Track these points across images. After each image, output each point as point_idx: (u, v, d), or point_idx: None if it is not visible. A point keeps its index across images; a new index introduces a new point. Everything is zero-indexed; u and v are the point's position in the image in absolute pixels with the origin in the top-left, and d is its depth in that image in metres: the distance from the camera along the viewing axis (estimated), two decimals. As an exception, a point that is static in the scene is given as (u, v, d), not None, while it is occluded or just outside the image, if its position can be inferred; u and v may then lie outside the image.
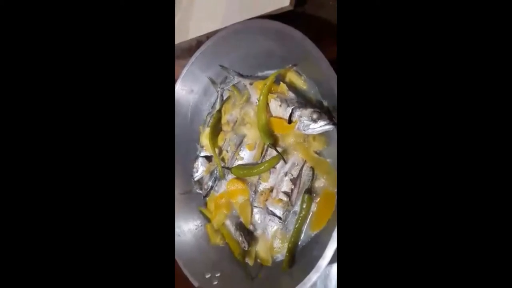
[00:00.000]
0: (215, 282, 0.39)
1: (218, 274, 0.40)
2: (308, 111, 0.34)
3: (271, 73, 0.41)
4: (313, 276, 0.28)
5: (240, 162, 0.43)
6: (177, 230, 0.47)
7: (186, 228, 0.48)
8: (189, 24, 0.54)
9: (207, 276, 0.40)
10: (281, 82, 0.39)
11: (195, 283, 0.39)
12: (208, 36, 0.48)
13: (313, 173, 0.36)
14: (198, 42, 0.53)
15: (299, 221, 0.36)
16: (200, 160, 0.50)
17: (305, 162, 0.37)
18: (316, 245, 0.33)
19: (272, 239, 0.38)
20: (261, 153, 0.41)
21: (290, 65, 0.38)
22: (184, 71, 0.48)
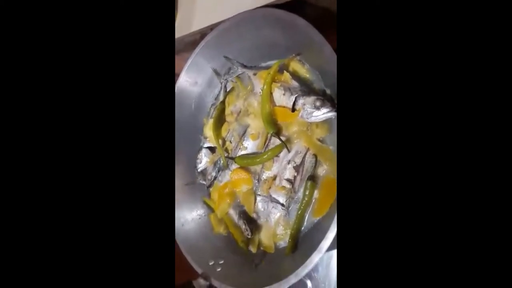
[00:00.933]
0: (219, 269, 0.40)
1: (222, 262, 0.41)
2: (311, 98, 0.35)
3: (275, 63, 0.41)
4: (315, 257, 0.28)
5: (243, 152, 0.44)
6: (181, 219, 0.47)
7: (190, 217, 0.48)
8: (192, 16, 0.54)
9: (210, 264, 0.41)
10: (284, 71, 0.39)
11: (199, 270, 0.40)
12: (212, 28, 0.49)
13: (316, 160, 0.36)
14: (202, 35, 0.53)
15: (301, 207, 0.36)
16: (203, 151, 0.51)
17: (308, 149, 0.37)
18: (318, 231, 0.34)
19: (275, 226, 0.39)
20: (265, 143, 0.42)
21: (294, 55, 0.39)
22: (188, 62, 0.48)
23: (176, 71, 0.53)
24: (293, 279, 0.29)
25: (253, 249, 0.40)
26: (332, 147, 0.36)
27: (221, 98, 0.50)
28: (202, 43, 0.46)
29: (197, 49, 0.47)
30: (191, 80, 0.50)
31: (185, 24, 0.56)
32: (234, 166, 0.45)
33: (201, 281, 0.37)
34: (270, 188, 0.39)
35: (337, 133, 0.24)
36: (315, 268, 0.38)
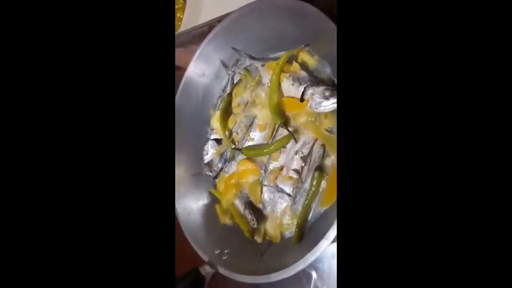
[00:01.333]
0: (224, 257, 0.40)
1: (227, 251, 0.41)
2: (320, 88, 0.35)
3: (284, 53, 0.41)
4: (323, 245, 0.29)
5: (250, 143, 0.44)
6: (186, 209, 0.48)
7: (196, 207, 0.49)
8: (200, 9, 0.55)
9: (216, 252, 0.41)
10: (293, 62, 0.39)
11: (205, 258, 0.40)
12: (219, 20, 0.49)
13: (324, 151, 0.36)
14: (210, 28, 0.54)
15: (308, 197, 0.36)
16: (210, 143, 0.51)
17: (316, 140, 0.37)
18: (325, 221, 0.34)
19: (281, 216, 0.39)
20: (272, 133, 0.42)
21: (303, 45, 0.39)
22: (197, 53, 0.48)
23: (184, 64, 0.53)
24: (301, 265, 0.30)
25: (258, 239, 0.41)
26: (340, 137, 0.36)
27: (228, 90, 0.50)
28: (210, 35, 0.46)
29: (205, 41, 0.47)
30: (199, 71, 0.50)
31: (193, 17, 0.56)
32: (240, 157, 0.45)
33: (208, 268, 0.38)
34: (276, 178, 0.40)
35: (337, 126, 0.24)
36: (320, 259, 0.38)
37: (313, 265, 0.39)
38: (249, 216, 0.41)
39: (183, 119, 0.51)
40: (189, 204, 0.48)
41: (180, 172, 0.50)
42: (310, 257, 0.29)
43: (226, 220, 0.46)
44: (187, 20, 0.58)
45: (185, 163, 0.51)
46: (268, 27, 0.41)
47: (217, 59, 0.49)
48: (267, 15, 0.39)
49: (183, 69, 0.51)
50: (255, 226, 0.41)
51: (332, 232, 0.29)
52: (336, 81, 0.37)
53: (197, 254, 0.42)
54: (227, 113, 0.50)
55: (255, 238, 0.41)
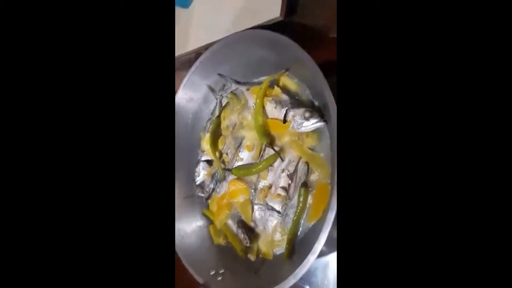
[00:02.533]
0: (219, 278, 0.41)
1: (222, 271, 0.42)
2: (301, 110, 0.37)
3: (266, 78, 0.44)
4: (311, 258, 0.30)
5: (240, 163, 0.46)
6: (181, 232, 0.49)
7: (190, 230, 0.50)
8: (187, 37, 0.58)
9: (211, 273, 0.42)
10: (275, 86, 0.42)
11: (200, 280, 0.41)
12: (206, 47, 0.52)
13: (308, 168, 0.38)
14: (197, 55, 0.57)
15: (297, 213, 0.38)
16: (201, 164, 0.53)
17: (300, 158, 0.39)
18: (314, 235, 0.35)
19: (272, 233, 0.40)
20: (260, 153, 0.44)
21: (283, 70, 0.42)
22: (185, 80, 0.51)
23: (175, 86, 0.55)
24: (291, 280, 0.31)
25: (252, 257, 0.42)
26: (322, 154, 0.38)
27: (216, 113, 0.52)
28: (197, 62, 0.49)
29: (192, 68, 0.49)
30: (187, 97, 0.53)
31: (181, 45, 0.59)
32: (231, 177, 0.47)
33: (203, 290, 0.38)
34: (266, 196, 0.41)
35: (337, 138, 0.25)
36: (313, 273, 0.40)
37: (306, 279, 0.40)
38: (242, 235, 0.42)
39: (175, 143, 0.52)
40: (183, 227, 0.49)
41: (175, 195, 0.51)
42: (299, 272, 0.31)
43: (220, 241, 0.47)
44: (176, 47, 0.61)
45: (178, 186, 0.52)
46: (251, 54, 0.43)
47: (204, 84, 0.52)
48: (248, 45, 0.42)
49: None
50: (248, 244, 0.42)
51: (318, 246, 0.31)
52: (315, 102, 0.39)
53: (192, 277, 0.42)
54: (216, 135, 0.52)
55: (248, 257, 0.42)
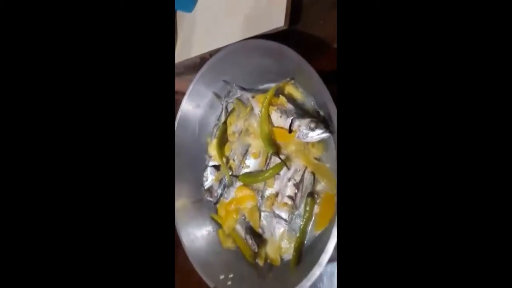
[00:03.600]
0: (229, 283, 0.42)
1: (231, 275, 0.44)
2: (306, 120, 0.38)
3: (271, 85, 0.44)
4: (317, 270, 0.31)
5: (246, 170, 0.47)
6: (191, 236, 0.50)
7: (199, 234, 0.51)
8: (191, 43, 0.58)
9: (221, 278, 0.43)
10: (280, 95, 0.42)
11: (211, 284, 0.42)
12: (210, 54, 0.52)
13: (314, 178, 0.39)
14: (202, 60, 0.57)
15: (303, 222, 0.39)
16: (209, 169, 0.54)
17: (306, 167, 0.40)
18: (320, 243, 0.36)
19: (279, 240, 0.41)
20: (266, 161, 0.44)
21: (288, 79, 0.42)
22: (190, 87, 0.51)
23: (179, 90, 0.56)
24: (298, 291, 0.32)
25: (260, 262, 0.43)
26: (328, 164, 0.38)
27: (222, 119, 0.53)
28: (202, 69, 0.49)
29: (198, 75, 0.50)
30: (194, 103, 0.53)
31: (185, 50, 0.59)
32: (238, 183, 0.48)
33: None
34: (273, 204, 0.42)
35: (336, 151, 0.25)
36: (319, 279, 0.41)
37: (314, 285, 0.42)
38: (250, 241, 0.44)
39: (182, 149, 0.53)
40: (193, 231, 0.51)
41: (183, 199, 0.53)
42: (305, 284, 0.32)
43: (228, 245, 0.48)
44: (179, 53, 0.61)
45: (186, 190, 0.54)
46: (254, 63, 0.43)
47: (210, 91, 0.52)
48: (253, 53, 0.42)
49: (177, 93, 0.54)
50: (255, 250, 0.43)
51: (325, 257, 0.32)
52: (320, 112, 0.39)
53: (201, 280, 0.44)
54: (223, 140, 0.52)
55: (257, 262, 0.43)
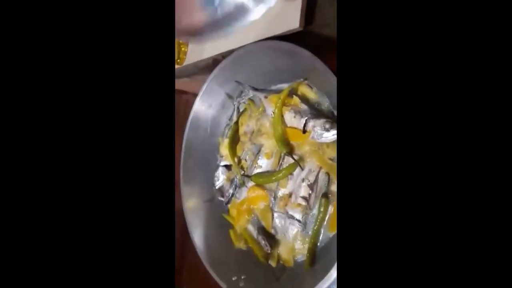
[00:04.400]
0: (241, 284, 0.42)
1: (244, 277, 0.43)
2: (321, 121, 0.37)
3: (284, 86, 0.44)
4: (334, 273, 0.31)
5: (258, 170, 0.46)
6: (202, 236, 0.50)
7: (211, 233, 0.51)
8: (204, 44, 0.58)
9: (233, 279, 0.43)
10: (293, 95, 0.42)
11: (223, 285, 0.42)
12: (223, 55, 0.53)
13: (329, 178, 0.39)
14: (214, 61, 0.57)
15: (317, 223, 0.38)
16: (220, 169, 0.54)
17: (320, 168, 0.40)
18: (335, 245, 0.36)
19: (293, 241, 0.41)
20: (278, 161, 0.44)
21: (302, 79, 0.42)
22: (203, 88, 0.52)
23: (189, 90, 0.57)
24: (314, 293, 0.32)
25: (273, 263, 0.43)
26: (343, 165, 0.38)
27: (234, 119, 0.53)
28: (216, 70, 0.49)
29: (211, 76, 0.50)
30: (207, 104, 0.54)
31: (197, 51, 0.60)
32: (250, 183, 0.48)
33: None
34: (286, 205, 0.42)
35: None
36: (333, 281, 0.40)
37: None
38: (262, 242, 0.43)
39: (194, 149, 0.54)
40: (204, 231, 0.51)
41: (195, 199, 0.53)
42: (322, 286, 0.31)
43: (240, 245, 0.48)
44: (192, 54, 0.62)
45: (198, 190, 0.54)
46: (269, 64, 0.43)
47: (222, 92, 0.52)
48: (267, 54, 0.42)
49: (189, 94, 0.55)
50: (268, 251, 0.43)
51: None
52: (335, 113, 0.39)
53: (214, 281, 0.44)
54: (235, 140, 0.52)
55: (269, 263, 0.43)
